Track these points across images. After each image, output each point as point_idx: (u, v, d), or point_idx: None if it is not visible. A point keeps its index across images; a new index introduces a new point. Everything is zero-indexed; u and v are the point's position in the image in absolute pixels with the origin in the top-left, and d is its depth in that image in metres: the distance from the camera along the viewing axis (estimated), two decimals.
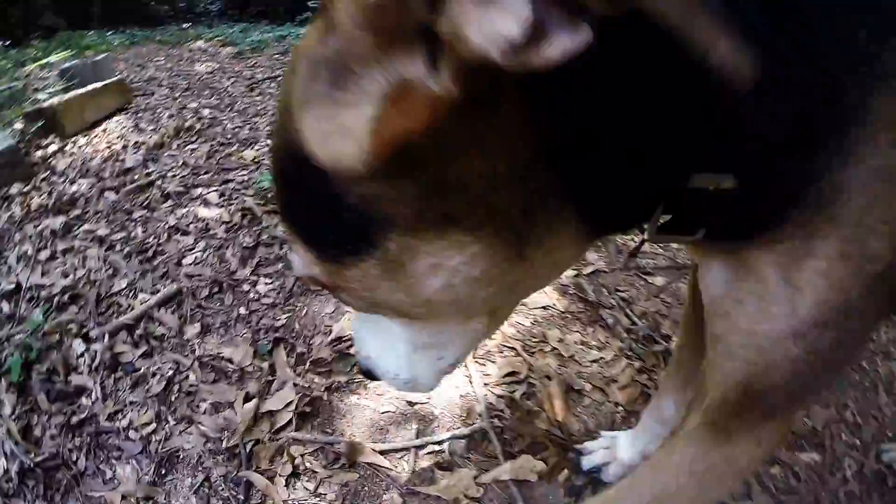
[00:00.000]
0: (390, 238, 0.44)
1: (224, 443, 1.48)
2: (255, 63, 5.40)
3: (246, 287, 2.00)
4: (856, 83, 0.43)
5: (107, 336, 1.77)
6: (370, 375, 0.72)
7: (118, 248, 2.22)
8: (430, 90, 0.31)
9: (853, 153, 0.45)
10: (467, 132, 0.38)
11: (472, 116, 0.36)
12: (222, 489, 1.38)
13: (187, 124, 3.42)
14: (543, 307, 1.85)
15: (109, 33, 8.25)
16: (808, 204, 0.48)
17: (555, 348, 1.70)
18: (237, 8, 11.15)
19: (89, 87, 3.80)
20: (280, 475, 1.39)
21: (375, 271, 0.47)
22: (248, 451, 1.46)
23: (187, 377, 1.66)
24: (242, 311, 1.89)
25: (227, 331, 1.82)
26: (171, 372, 1.68)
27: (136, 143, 3.22)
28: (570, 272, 1.97)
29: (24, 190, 2.80)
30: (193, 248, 2.19)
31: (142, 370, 1.68)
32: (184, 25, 9.14)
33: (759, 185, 0.49)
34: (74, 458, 1.48)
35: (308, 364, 1.68)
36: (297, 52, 0.40)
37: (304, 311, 1.87)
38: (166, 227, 2.33)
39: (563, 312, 1.83)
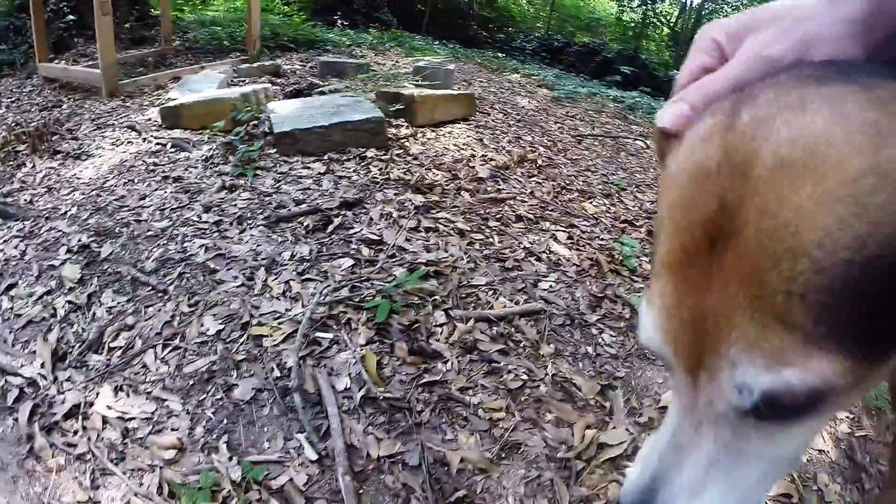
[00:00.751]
0: None
1: (560, 453, 1.68)
2: (573, 113, 5.88)
3: (594, 331, 2.23)
4: None
5: (471, 321, 2.09)
6: None
7: (477, 246, 2.58)
8: None
9: None
10: None
11: None
12: (551, 492, 1.57)
13: (529, 156, 3.83)
14: (819, 450, 1.93)
15: (435, 43, 9.57)
16: None
17: (820, 490, 1.77)
18: (548, 52, 12.17)
19: (444, 91, 4.45)
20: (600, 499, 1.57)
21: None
22: (578, 469, 1.65)
23: (539, 387, 1.90)
24: (589, 350, 2.13)
25: (574, 361, 2.06)
26: (525, 376, 1.92)
27: (482, 156, 3.69)
28: (846, 429, 2.06)
29: (381, 157, 3.36)
30: (547, 277, 2.48)
31: (500, 364, 1.95)
32: (498, 54, 10.22)
33: None
34: (419, 409, 1.76)
35: (638, 416, 1.87)
36: None
37: (640, 373, 2.06)
38: (521, 246, 2.66)
39: (832, 461, 1.90)
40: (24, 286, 2.35)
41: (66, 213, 2.90)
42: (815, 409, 0.56)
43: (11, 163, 3.72)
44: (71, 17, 7.46)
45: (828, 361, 0.50)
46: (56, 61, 6.74)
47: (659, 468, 0.68)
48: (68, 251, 2.53)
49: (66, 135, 4.14)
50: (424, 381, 1.85)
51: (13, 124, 4.62)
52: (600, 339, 2.19)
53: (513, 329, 2.13)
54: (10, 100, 5.76)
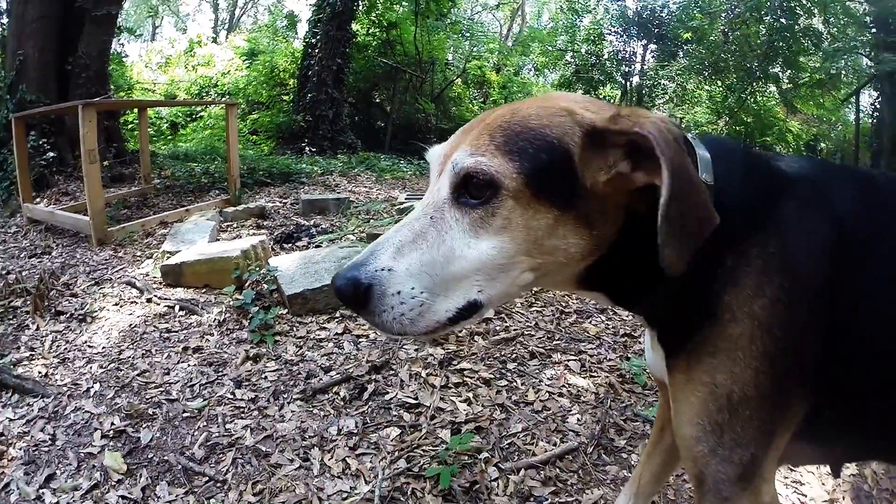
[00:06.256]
0: (576, 200, 0.99)
1: None
2: None
3: (624, 455, 2.40)
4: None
5: (521, 471, 2.24)
6: (357, 295, 1.01)
7: (505, 394, 2.73)
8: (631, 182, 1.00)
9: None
10: (621, 196, 1.02)
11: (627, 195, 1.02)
12: None
13: None
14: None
15: (400, 161, 9.97)
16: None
17: None
18: None
19: None
20: None
21: (551, 209, 0.98)
22: None
23: None
24: (626, 473, 2.28)
25: (616, 487, 2.20)
26: None
27: None
28: (854, 469, 2.32)
29: None
30: (572, 411, 2.65)
31: None
32: None
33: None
34: None
35: None
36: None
37: (676, 488, 2.20)
38: (543, 384, 2.83)
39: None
40: (66, 477, 2.33)
41: (88, 390, 2.91)
42: (495, 200, 0.98)
43: (11, 321, 3.70)
44: (51, 153, 7.62)
45: (501, 162, 0.98)
46: (38, 199, 6.88)
47: (383, 239, 1.04)
48: (103, 436, 2.53)
49: (65, 291, 4.16)
50: None
51: (5, 274, 4.65)
52: (632, 461, 2.35)
53: (558, 470, 2.27)
54: None
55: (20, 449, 2.44)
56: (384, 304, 0.98)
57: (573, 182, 0.99)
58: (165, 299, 3.93)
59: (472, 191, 1.00)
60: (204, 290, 4.08)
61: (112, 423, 2.60)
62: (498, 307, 3.63)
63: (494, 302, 1.04)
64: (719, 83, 17.29)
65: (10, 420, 2.64)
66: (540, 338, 3.31)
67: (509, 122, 1.02)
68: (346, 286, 1.00)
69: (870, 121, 15.32)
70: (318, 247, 4.89)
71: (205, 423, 2.56)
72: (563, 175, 0.98)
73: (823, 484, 2.22)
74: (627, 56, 18.55)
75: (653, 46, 18.27)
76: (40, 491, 2.22)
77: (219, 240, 5.25)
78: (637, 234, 1.02)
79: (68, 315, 3.77)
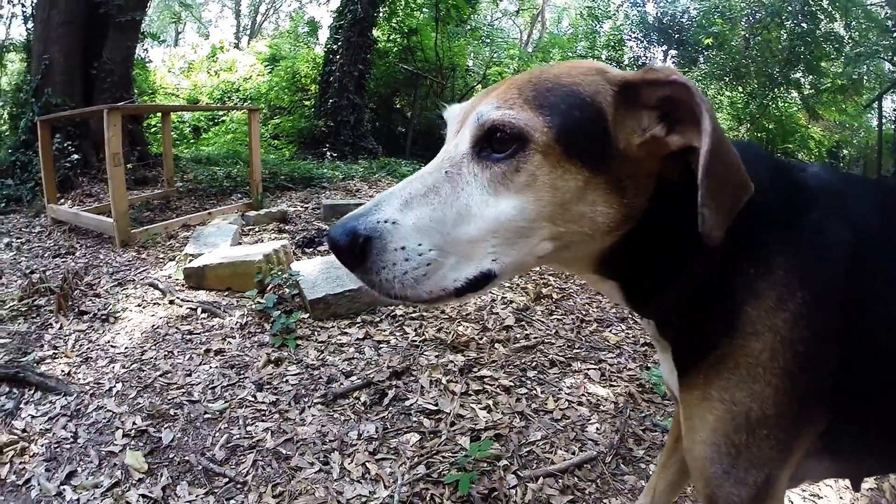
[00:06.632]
0: (609, 163, 0.94)
1: None
2: None
3: (643, 465, 2.38)
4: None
5: (539, 479, 2.23)
6: (353, 249, 0.89)
7: (524, 402, 2.72)
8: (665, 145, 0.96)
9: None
10: (653, 162, 0.97)
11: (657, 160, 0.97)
12: None
13: (544, 291, 4.01)
14: None
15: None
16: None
17: None
18: None
19: None
20: None
21: (581, 170, 0.92)
22: None
23: None
24: (643, 483, 2.25)
25: (634, 497, 2.18)
26: None
27: (502, 297, 3.86)
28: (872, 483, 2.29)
29: (411, 314, 3.51)
30: (591, 420, 2.64)
31: None
32: None
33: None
34: None
35: None
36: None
37: (693, 499, 2.15)
38: (563, 393, 2.82)
39: None
40: (87, 475, 2.34)
41: (110, 389, 2.92)
42: (521, 154, 0.92)
43: (35, 319, 3.73)
44: (76, 156, 7.74)
45: (531, 116, 0.92)
46: (62, 200, 6.97)
47: (390, 192, 0.96)
48: (125, 435, 2.55)
49: (88, 291, 4.20)
50: None
51: (29, 273, 4.67)
52: (650, 471, 2.32)
53: (576, 479, 2.26)
54: (20, 240, 5.86)
55: (42, 445, 2.47)
56: (384, 261, 0.88)
57: (606, 143, 0.94)
58: (188, 301, 3.96)
59: (495, 145, 0.94)
60: (226, 293, 4.11)
61: (134, 423, 2.62)
62: (511, 278, 3.65)
63: (508, 272, 0.96)
64: (740, 89, 17.18)
65: (33, 417, 2.67)
66: (560, 346, 3.30)
67: (539, 79, 0.98)
68: (340, 237, 0.89)
69: (893, 126, 15.11)
70: None
71: (226, 425, 2.57)
72: (595, 134, 0.94)
73: (841, 498, 2.20)
74: (648, 62, 18.47)
75: (673, 52, 18.23)
76: (61, 487, 2.24)
77: (241, 243, 5.28)
78: (665, 207, 0.99)
79: (91, 315, 3.81)
